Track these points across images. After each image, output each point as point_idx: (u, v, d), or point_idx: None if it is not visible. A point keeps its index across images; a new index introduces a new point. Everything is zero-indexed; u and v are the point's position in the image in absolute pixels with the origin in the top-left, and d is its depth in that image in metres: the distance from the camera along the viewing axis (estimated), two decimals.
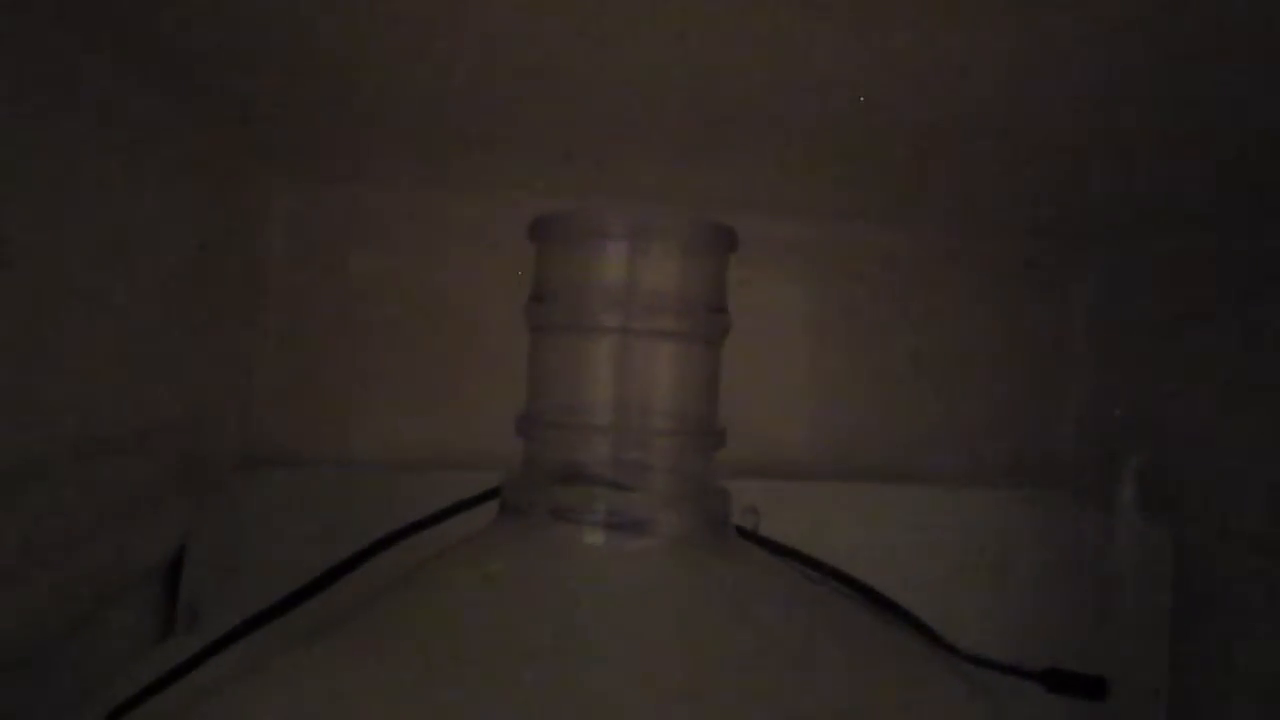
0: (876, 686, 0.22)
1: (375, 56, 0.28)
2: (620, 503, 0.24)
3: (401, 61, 0.29)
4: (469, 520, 0.28)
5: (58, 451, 0.29)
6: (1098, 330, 0.50)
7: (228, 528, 0.39)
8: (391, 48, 0.27)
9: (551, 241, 0.24)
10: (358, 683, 0.23)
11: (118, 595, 0.34)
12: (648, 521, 0.24)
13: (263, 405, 0.43)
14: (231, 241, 0.41)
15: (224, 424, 0.41)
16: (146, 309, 0.33)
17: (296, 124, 0.36)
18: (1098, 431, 0.48)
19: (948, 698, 0.24)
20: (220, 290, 0.40)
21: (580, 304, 0.24)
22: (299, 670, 0.24)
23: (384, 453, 0.43)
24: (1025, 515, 0.45)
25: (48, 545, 0.29)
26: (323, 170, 0.43)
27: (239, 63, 0.29)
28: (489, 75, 0.29)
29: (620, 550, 0.24)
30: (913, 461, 0.48)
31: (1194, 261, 0.44)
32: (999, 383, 0.49)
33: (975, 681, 0.27)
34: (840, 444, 0.49)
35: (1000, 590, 0.44)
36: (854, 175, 0.40)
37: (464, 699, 0.21)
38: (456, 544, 0.25)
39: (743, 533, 0.27)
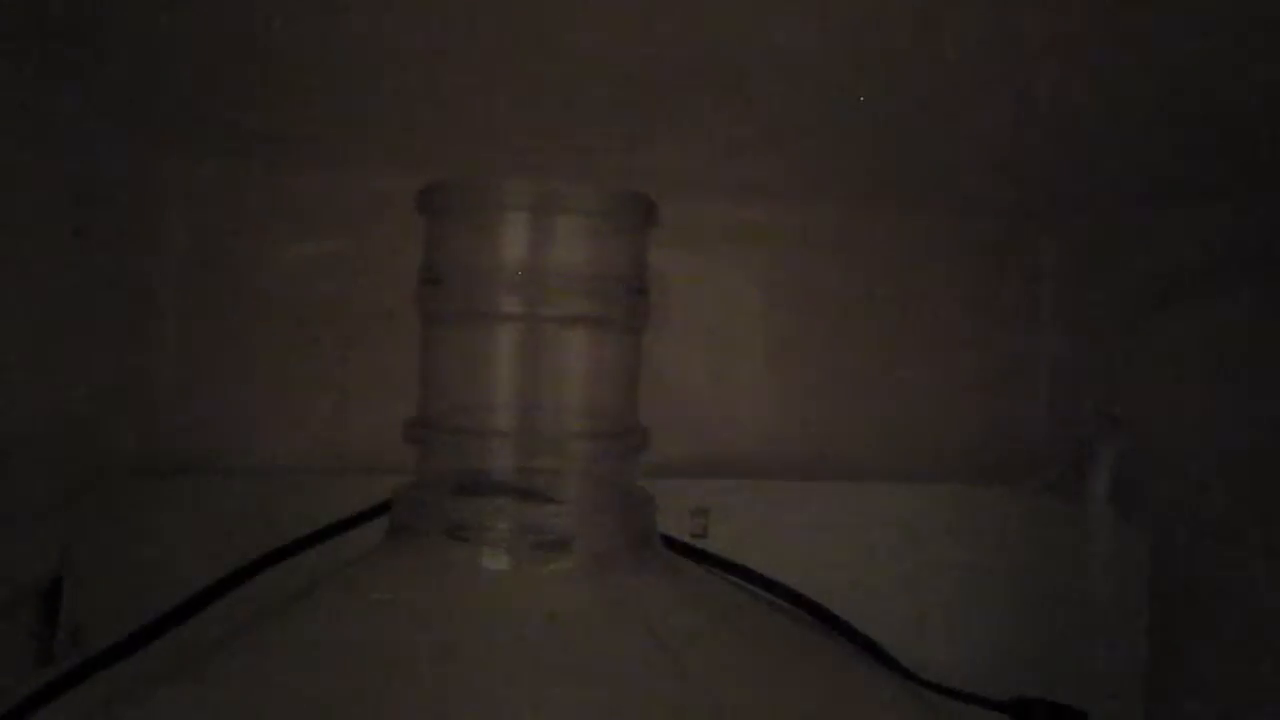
0: (812, 717, 0.19)
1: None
2: (528, 518, 0.21)
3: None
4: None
5: None
6: (1067, 316, 0.47)
7: (120, 541, 0.36)
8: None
9: (443, 215, 0.21)
10: None
11: None
12: (560, 539, 0.21)
13: (163, 407, 0.39)
14: (125, 226, 0.37)
15: (116, 427, 0.37)
16: (15, 295, 0.30)
17: (195, 96, 0.33)
18: (1068, 423, 0.46)
19: None
20: (113, 278, 0.36)
21: (477, 287, 0.20)
22: (163, 711, 0.21)
23: (297, 457, 0.40)
24: (990, 513, 0.43)
25: None
26: (223, 150, 0.39)
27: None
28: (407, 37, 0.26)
29: (525, 575, 0.20)
30: (874, 457, 0.46)
31: (1167, 242, 0.41)
32: (964, 374, 0.47)
33: (932, 709, 0.24)
34: (798, 439, 0.46)
35: (967, 593, 0.42)
36: (815, 152, 0.37)
37: None
38: (340, 567, 0.22)
39: (674, 544, 0.24)
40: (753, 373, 0.46)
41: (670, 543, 0.25)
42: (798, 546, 0.41)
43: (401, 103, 0.32)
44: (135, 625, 0.27)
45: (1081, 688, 0.38)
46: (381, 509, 0.23)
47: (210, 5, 0.24)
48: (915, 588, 0.42)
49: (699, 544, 0.32)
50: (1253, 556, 0.35)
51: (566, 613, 0.20)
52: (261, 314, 0.40)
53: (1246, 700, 0.35)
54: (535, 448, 0.21)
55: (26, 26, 0.26)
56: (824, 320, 0.46)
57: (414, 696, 0.19)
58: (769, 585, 0.26)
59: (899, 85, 0.29)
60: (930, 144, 0.35)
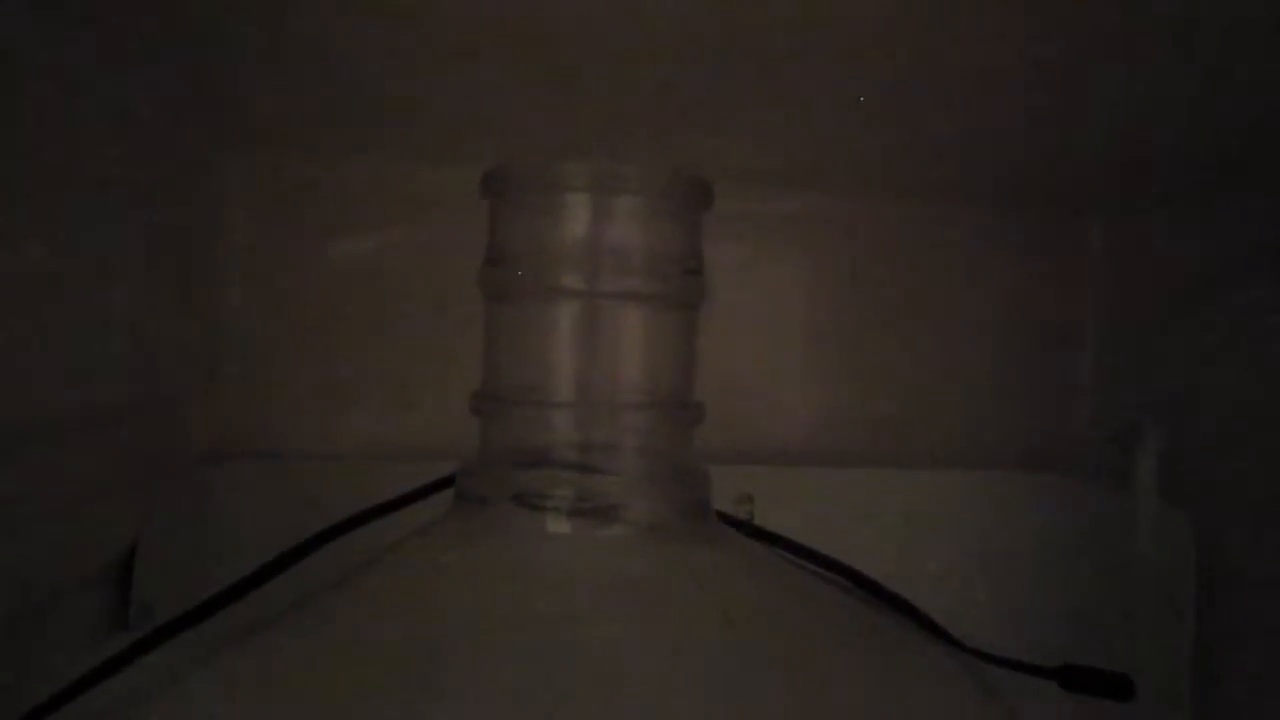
0: (869, 685, 0.20)
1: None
2: (587, 487, 0.22)
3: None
4: (431, 512, 0.26)
5: None
6: (1109, 304, 0.47)
7: (188, 522, 0.37)
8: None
9: (505, 197, 0.22)
10: (299, 682, 0.20)
11: (66, 592, 0.32)
12: (617, 507, 0.21)
13: (227, 394, 0.41)
14: (191, 219, 0.38)
15: (185, 413, 0.38)
16: (93, 288, 0.31)
17: (258, 92, 0.34)
18: (1111, 411, 0.46)
19: (951, 697, 0.21)
20: (179, 270, 0.38)
21: (539, 266, 0.21)
22: (237, 669, 0.22)
23: (356, 444, 0.41)
24: (1036, 500, 0.43)
25: None
26: (286, 144, 0.40)
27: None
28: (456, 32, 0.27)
29: (587, 539, 0.21)
30: (918, 446, 0.46)
31: (1212, 231, 0.41)
32: (1007, 362, 0.47)
33: (982, 679, 0.25)
34: (843, 429, 0.46)
35: (1010, 580, 0.42)
36: (859, 144, 0.38)
37: (415, 698, 0.19)
38: (407, 535, 0.23)
39: (727, 519, 0.25)
40: (797, 362, 0.46)
41: (723, 519, 0.25)
42: (843, 533, 0.41)
43: (456, 96, 0.34)
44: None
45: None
46: (446, 483, 0.24)
47: (272, 6, 0.26)
48: (960, 574, 0.42)
49: None
50: None
51: (623, 575, 0.21)
52: (324, 304, 0.41)
53: None
54: (593, 419, 0.22)
55: (109, 32, 0.27)
56: (867, 310, 0.46)
57: (480, 652, 0.20)
58: (819, 559, 0.27)
59: (945, 77, 0.29)
60: (974, 137, 0.36)
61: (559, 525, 0.21)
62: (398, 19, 0.26)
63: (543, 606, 0.20)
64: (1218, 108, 0.30)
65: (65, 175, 0.29)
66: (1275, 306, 0.38)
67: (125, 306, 0.33)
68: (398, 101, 0.34)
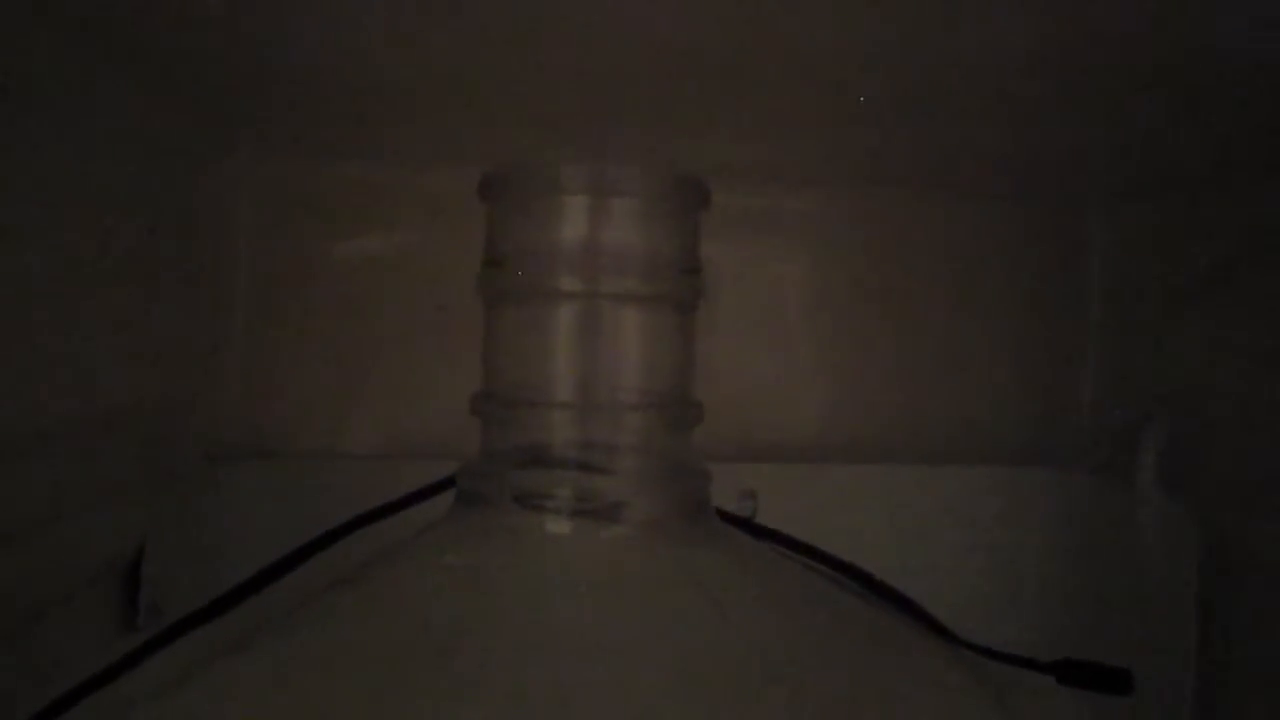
0: (867, 680, 0.20)
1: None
2: (588, 487, 0.22)
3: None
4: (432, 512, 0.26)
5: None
6: (1113, 298, 0.47)
7: (194, 522, 0.37)
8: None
9: (503, 200, 0.22)
10: (302, 683, 0.21)
11: (73, 592, 0.33)
12: (618, 507, 0.22)
13: (232, 395, 0.41)
14: (195, 221, 0.39)
15: (190, 414, 0.39)
16: (94, 291, 0.31)
17: (262, 95, 0.34)
18: (1115, 406, 0.46)
19: (949, 692, 0.21)
20: (184, 272, 0.38)
21: (537, 267, 0.21)
22: (241, 670, 0.22)
23: (361, 444, 0.41)
24: (1040, 495, 0.43)
25: None
26: (289, 149, 0.41)
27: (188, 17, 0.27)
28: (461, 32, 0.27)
29: (588, 539, 0.21)
30: (924, 441, 0.46)
31: (1215, 224, 0.41)
32: (1011, 357, 0.47)
33: (981, 674, 0.25)
34: (848, 425, 0.46)
35: (1015, 575, 0.42)
36: (864, 140, 0.38)
37: (417, 699, 0.19)
38: (410, 537, 0.23)
39: (727, 517, 0.25)
40: (803, 360, 0.46)
41: (724, 516, 0.26)
42: (847, 530, 0.41)
43: (455, 101, 0.34)
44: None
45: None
46: (447, 484, 0.24)
47: (272, 15, 0.26)
48: (965, 571, 0.42)
49: None
50: None
51: (623, 574, 0.21)
52: (327, 306, 0.41)
53: None
54: (592, 420, 0.22)
55: (112, 35, 0.28)
56: (873, 307, 0.46)
57: (481, 653, 0.20)
58: (819, 555, 0.27)
59: (947, 72, 0.29)
60: (976, 130, 0.36)
61: (559, 526, 0.21)
62: (400, 25, 0.26)
63: (543, 607, 0.20)
64: (1223, 97, 0.30)
65: (67, 177, 0.29)
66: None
67: (129, 308, 0.34)
68: (402, 102, 0.34)
